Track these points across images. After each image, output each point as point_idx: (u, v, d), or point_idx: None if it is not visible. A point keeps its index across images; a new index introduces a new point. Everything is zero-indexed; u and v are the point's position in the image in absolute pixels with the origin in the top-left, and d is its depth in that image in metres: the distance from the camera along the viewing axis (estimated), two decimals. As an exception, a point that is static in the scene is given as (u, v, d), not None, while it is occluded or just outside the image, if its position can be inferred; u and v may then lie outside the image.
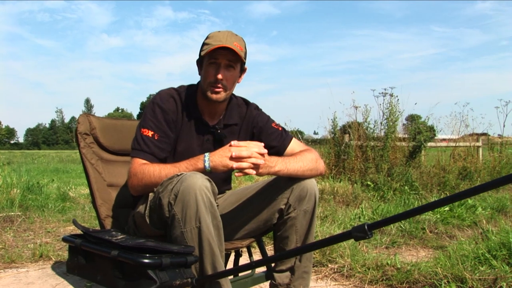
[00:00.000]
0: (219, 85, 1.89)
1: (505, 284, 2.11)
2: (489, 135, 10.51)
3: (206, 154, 1.74)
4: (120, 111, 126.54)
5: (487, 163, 8.90)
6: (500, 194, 7.01)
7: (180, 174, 1.64)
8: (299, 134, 8.90)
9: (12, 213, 4.54)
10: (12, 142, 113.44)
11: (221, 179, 2.08)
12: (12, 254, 3.22)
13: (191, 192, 1.57)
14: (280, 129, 2.09)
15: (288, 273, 2.00)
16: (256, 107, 2.13)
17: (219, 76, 1.87)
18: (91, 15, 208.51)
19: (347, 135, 7.99)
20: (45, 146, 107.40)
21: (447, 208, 5.21)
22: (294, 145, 2.07)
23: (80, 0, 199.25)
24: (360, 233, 1.22)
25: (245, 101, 2.13)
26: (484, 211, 5.28)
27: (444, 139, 10.01)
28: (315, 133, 8.36)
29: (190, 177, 1.60)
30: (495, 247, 2.72)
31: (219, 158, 1.71)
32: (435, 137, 11.42)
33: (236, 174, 1.74)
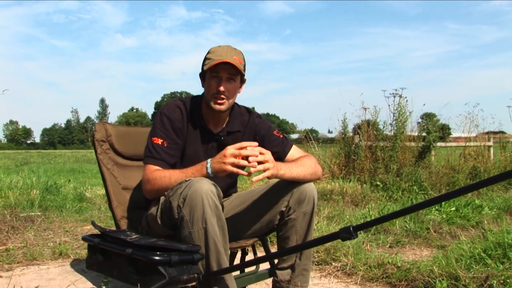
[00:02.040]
0: (222, 96, 2.06)
1: (495, 281, 2.23)
2: (504, 133, 10.48)
3: (209, 160, 1.90)
4: (134, 110, 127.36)
5: (498, 163, 8.93)
6: (508, 194, 7.07)
7: (188, 180, 1.80)
8: (308, 134, 8.99)
9: (33, 213, 4.75)
10: (28, 142, 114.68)
11: (227, 183, 2.24)
12: (34, 252, 3.41)
13: (198, 196, 1.73)
14: (281, 136, 2.25)
15: (289, 271, 2.15)
16: (258, 116, 2.30)
17: (221, 88, 2.04)
18: (105, 15, 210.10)
19: (357, 135, 8.10)
20: (61, 145, 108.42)
21: (453, 209, 5.31)
22: (294, 151, 2.23)
23: (95, 0, 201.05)
24: (346, 234, 1.37)
25: (248, 110, 2.30)
26: (491, 211, 5.36)
27: (458, 138, 10.01)
28: (329, 131, 8.46)
29: (197, 182, 1.76)
30: (491, 247, 2.84)
31: (217, 164, 1.87)
32: (450, 136, 11.45)
33: (254, 179, 1.89)
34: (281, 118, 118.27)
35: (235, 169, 1.84)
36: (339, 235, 1.38)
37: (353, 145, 7.82)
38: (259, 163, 1.85)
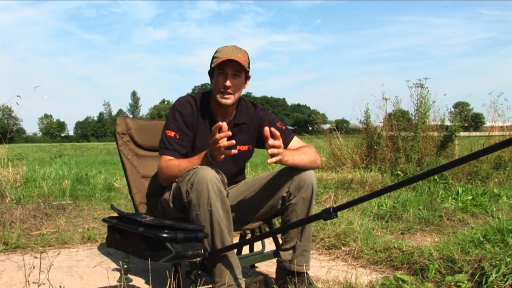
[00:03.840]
0: (228, 91, 2.27)
1: (487, 264, 2.36)
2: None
3: (209, 149, 2.09)
4: (166, 102, 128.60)
5: (524, 152, 8.84)
6: (530, 183, 7.07)
7: (196, 168, 2.01)
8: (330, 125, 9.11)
9: (64, 202, 5.07)
10: (62, 135, 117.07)
11: (234, 170, 2.45)
12: (65, 237, 3.70)
13: (204, 182, 1.94)
14: (284, 127, 2.45)
15: (291, 251, 2.35)
16: (263, 109, 2.50)
17: (227, 83, 2.26)
18: (136, 8, 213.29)
19: (379, 125, 8.18)
20: (94, 138, 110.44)
21: (470, 197, 5.38)
22: (295, 142, 2.43)
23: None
24: (327, 214, 1.56)
25: (253, 104, 2.50)
26: (509, 200, 5.39)
27: (493, 127, 9.91)
28: (360, 122, 8.54)
29: (203, 170, 1.98)
30: (490, 232, 2.97)
31: (212, 150, 2.05)
32: (484, 125, 11.33)
33: (268, 161, 2.06)
34: (312, 108, 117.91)
35: (226, 152, 1.99)
36: (320, 215, 1.57)
37: (376, 135, 7.91)
38: (274, 147, 2.03)
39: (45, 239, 3.66)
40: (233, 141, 1.96)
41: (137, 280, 2.71)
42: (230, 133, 1.97)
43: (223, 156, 2.03)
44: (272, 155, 2.04)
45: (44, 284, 2.05)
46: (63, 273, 2.85)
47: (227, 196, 2.09)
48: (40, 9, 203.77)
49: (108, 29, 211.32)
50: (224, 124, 1.96)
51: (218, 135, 1.96)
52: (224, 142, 1.96)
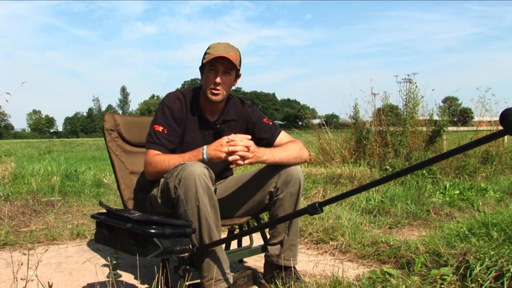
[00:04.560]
0: (218, 88, 2.28)
1: (472, 257, 2.40)
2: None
3: (205, 147, 2.12)
4: (155, 98, 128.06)
5: (510, 147, 8.94)
6: (515, 177, 7.16)
7: (184, 163, 2.02)
8: (321, 120, 9.14)
9: (53, 198, 5.06)
10: (51, 131, 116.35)
11: (222, 167, 2.47)
12: (54, 233, 3.70)
13: (191, 178, 1.95)
14: (271, 123, 2.47)
15: (278, 246, 2.37)
16: (250, 105, 2.51)
17: (218, 80, 2.27)
18: (125, 3, 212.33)
19: (368, 120, 8.23)
20: (83, 134, 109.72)
21: (457, 192, 5.44)
22: (282, 137, 2.44)
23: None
24: (313, 209, 1.58)
25: (241, 100, 2.52)
26: (495, 194, 5.46)
27: (481, 122, 10.00)
28: (350, 117, 8.58)
29: (191, 166, 1.99)
30: (476, 226, 3.01)
31: (213, 151, 2.09)
32: (473, 120, 11.42)
33: (231, 166, 2.12)
34: (301, 103, 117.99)
35: (229, 158, 2.07)
36: (306, 210, 1.59)
37: (364, 130, 7.95)
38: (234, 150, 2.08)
39: (34, 235, 3.66)
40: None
41: (126, 276, 2.72)
42: (252, 143, 2.12)
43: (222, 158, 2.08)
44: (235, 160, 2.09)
45: (32, 280, 2.05)
46: (52, 270, 2.85)
47: (215, 191, 2.10)
48: (28, 4, 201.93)
49: (97, 24, 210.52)
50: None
51: (238, 139, 2.09)
52: (240, 148, 2.08)
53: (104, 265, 2.94)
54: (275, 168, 2.30)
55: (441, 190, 5.56)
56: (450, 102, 10.67)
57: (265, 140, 2.42)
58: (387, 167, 7.17)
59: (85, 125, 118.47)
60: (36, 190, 5.37)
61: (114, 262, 2.51)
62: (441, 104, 9.68)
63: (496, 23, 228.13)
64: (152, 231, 1.72)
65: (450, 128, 8.63)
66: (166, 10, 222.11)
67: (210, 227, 1.98)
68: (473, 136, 8.83)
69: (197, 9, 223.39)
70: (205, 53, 2.32)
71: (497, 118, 9.54)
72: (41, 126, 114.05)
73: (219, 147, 2.08)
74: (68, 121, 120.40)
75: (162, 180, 2.15)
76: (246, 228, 2.71)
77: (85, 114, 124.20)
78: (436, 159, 1.42)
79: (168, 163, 2.15)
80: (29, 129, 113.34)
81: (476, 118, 10.75)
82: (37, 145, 28.41)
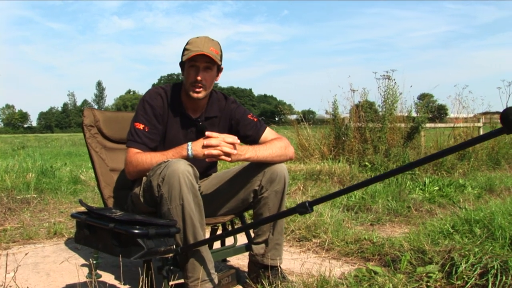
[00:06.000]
0: (199, 85, 2.22)
1: (457, 254, 2.40)
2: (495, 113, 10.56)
3: (189, 143, 2.06)
4: (132, 93, 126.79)
5: (486, 143, 9.06)
6: (493, 174, 7.27)
7: (167, 161, 1.96)
8: (300, 116, 9.13)
9: (28, 196, 4.93)
10: (25, 126, 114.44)
11: (206, 164, 2.40)
12: (30, 232, 3.59)
13: (175, 176, 1.90)
14: (256, 120, 2.41)
15: (263, 245, 2.33)
16: (234, 101, 2.46)
17: (199, 78, 2.20)
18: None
19: (347, 116, 8.24)
20: (58, 129, 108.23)
21: (436, 188, 5.49)
22: (268, 134, 2.39)
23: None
24: (302, 208, 1.54)
25: (225, 96, 2.46)
26: (473, 190, 5.53)
27: (456, 119, 10.12)
28: (327, 113, 8.59)
29: (175, 163, 1.93)
30: (459, 223, 3.02)
31: (199, 147, 2.03)
32: (447, 116, 11.56)
33: (207, 159, 2.06)
34: (278, 99, 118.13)
35: (215, 154, 2.02)
36: (296, 209, 1.55)
37: (343, 126, 7.96)
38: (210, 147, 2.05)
39: (9, 235, 3.54)
40: None
41: (107, 276, 2.65)
42: (238, 141, 2.09)
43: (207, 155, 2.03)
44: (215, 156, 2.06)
45: (10, 287, 1.98)
46: (29, 270, 2.76)
47: (199, 189, 2.05)
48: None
49: (73, 17, 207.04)
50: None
51: (224, 137, 2.04)
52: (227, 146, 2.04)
53: (83, 265, 2.86)
54: (259, 166, 2.25)
55: (420, 187, 5.60)
56: (427, 99, 10.78)
57: (250, 137, 2.36)
58: (366, 163, 7.20)
59: (60, 120, 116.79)
60: (10, 188, 5.22)
61: (95, 262, 2.44)
62: (417, 100, 9.77)
63: (470, 22, 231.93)
64: (136, 231, 1.66)
65: (428, 125, 8.71)
66: (143, 5, 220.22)
67: (195, 226, 1.93)
68: (450, 133, 8.95)
69: (174, 4, 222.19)
70: (184, 49, 2.24)
71: (473, 115, 9.72)
72: (14, 121, 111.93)
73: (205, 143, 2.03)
74: (42, 116, 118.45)
75: (144, 178, 2.08)
76: (229, 227, 2.66)
77: (60, 109, 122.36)
78: (433, 157, 1.40)
79: (150, 162, 2.08)
80: (2, 124, 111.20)
81: (452, 115, 10.91)
82: (10, 140, 27.88)
